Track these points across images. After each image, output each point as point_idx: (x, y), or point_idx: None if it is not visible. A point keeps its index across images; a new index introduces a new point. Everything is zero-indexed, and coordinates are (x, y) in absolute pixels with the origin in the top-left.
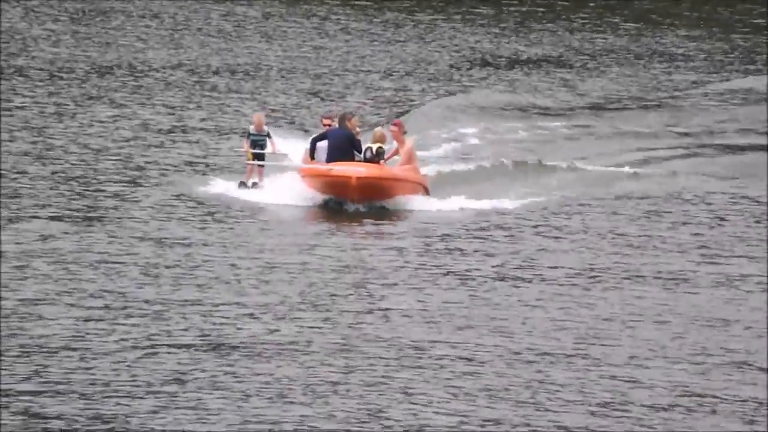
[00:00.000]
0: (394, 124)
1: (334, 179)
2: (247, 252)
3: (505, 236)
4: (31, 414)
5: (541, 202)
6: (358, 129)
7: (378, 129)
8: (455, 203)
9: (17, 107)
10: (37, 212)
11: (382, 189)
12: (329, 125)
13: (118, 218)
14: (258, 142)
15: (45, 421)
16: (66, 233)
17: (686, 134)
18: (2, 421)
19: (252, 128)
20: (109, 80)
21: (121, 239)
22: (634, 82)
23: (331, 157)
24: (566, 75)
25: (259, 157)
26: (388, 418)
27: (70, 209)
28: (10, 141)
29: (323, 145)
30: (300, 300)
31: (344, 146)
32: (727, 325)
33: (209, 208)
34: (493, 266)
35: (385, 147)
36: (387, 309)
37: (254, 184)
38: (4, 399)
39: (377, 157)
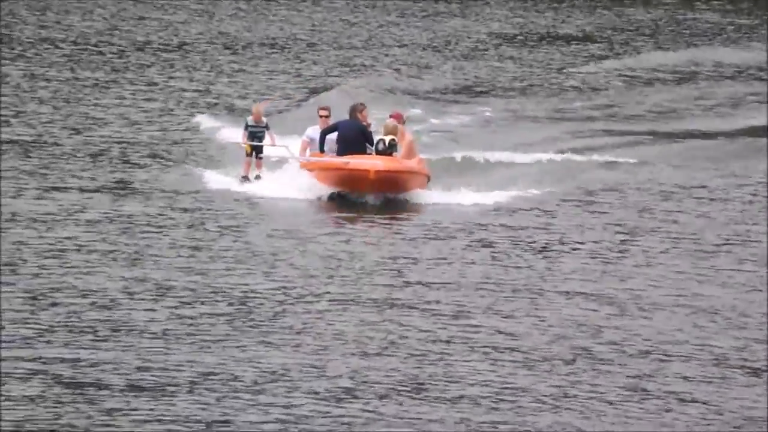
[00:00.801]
0: (393, 117)
1: (351, 173)
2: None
3: (532, 225)
4: (66, 382)
5: (540, 193)
6: (369, 121)
7: (390, 121)
8: (466, 196)
9: (53, 79)
10: (70, 183)
11: (399, 182)
12: (326, 116)
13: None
14: (256, 134)
15: (82, 388)
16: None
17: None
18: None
19: (250, 119)
20: (144, 54)
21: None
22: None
23: (343, 150)
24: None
25: (257, 149)
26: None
27: (103, 181)
28: (44, 113)
29: (332, 136)
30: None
31: (357, 138)
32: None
33: (214, 205)
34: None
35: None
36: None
37: (257, 177)
38: (41, 366)
39: (390, 150)
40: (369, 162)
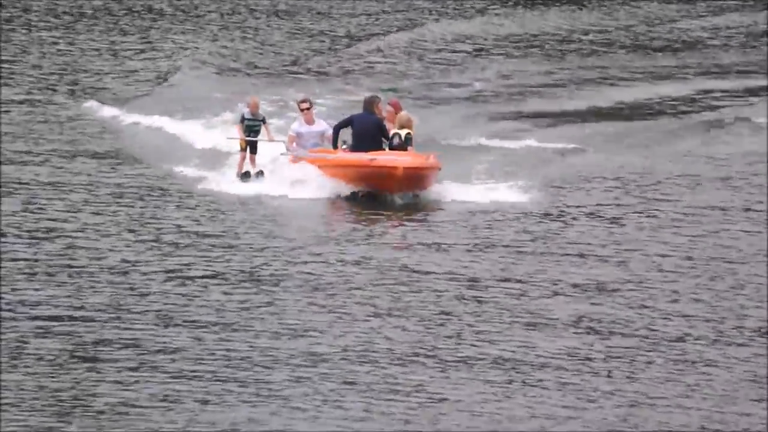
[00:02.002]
0: (391, 105)
1: (378, 170)
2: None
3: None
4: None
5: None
6: (384, 114)
7: (404, 113)
8: (485, 190)
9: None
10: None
11: (424, 179)
12: (308, 108)
13: None
14: (253, 127)
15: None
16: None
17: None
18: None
19: (247, 111)
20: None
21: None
22: None
23: (359, 145)
24: None
25: (252, 145)
26: None
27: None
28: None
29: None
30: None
31: (373, 133)
32: None
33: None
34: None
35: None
36: None
37: (259, 174)
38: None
39: (406, 144)
40: (396, 159)
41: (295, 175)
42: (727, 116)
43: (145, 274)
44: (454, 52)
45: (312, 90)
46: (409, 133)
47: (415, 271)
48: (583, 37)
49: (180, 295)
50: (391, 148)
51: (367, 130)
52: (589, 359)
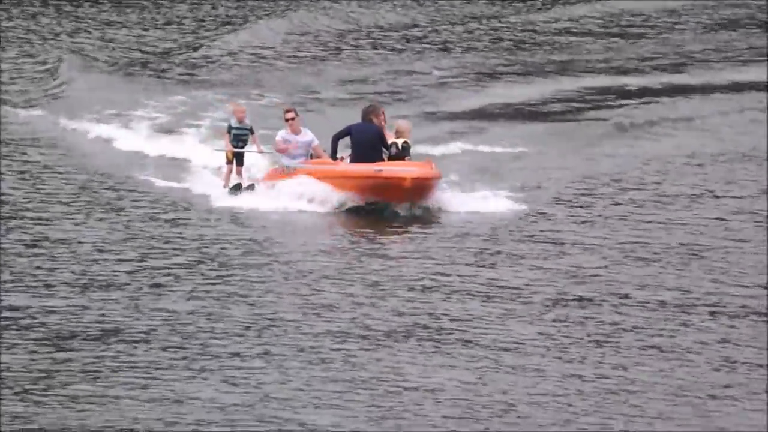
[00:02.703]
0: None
1: (386, 181)
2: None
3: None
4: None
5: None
6: (384, 123)
7: (402, 122)
8: (483, 197)
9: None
10: None
11: (430, 189)
12: (293, 119)
13: None
14: (241, 136)
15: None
16: None
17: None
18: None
19: (233, 120)
20: None
21: None
22: None
23: (360, 155)
24: None
25: (239, 157)
26: None
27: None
28: None
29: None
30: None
31: (374, 143)
32: None
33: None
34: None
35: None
36: None
37: (251, 187)
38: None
39: (404, 153)
40: (404, 169)
41: (294, 188)
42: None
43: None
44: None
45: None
46: (406, 142)
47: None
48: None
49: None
50: (390, 157)
51: (367, 140)
52: (564, 343)
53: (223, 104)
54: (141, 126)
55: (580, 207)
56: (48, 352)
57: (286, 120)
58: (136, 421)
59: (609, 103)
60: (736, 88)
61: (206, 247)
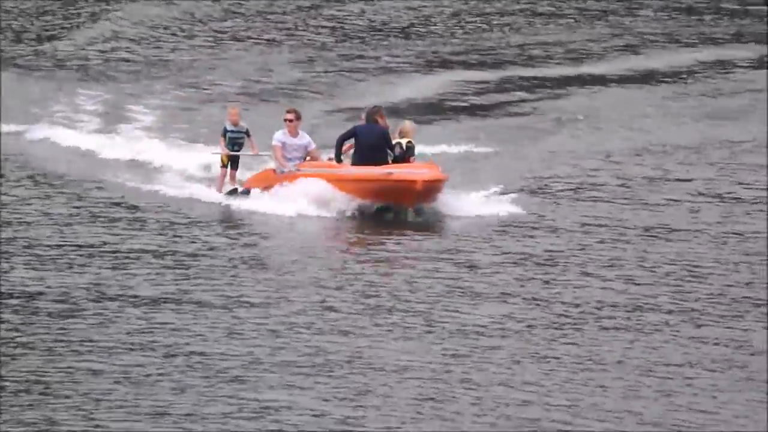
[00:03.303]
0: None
1: (396, 184)
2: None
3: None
4: None
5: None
6: (388, 124)
7: (407, 122)
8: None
9: None
10: None
11: (438, 191)
12: (292, 120)
13: None
14: (237, 139)
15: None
16: None
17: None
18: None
19: (228, 123)
20: None
21: None
22: None
23: (365, 157)
24: None
25: (234, 160)
26: None
27: None
28: None
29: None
30: None
31: (379, 144)
32: None
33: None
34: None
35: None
36: None
37: (246, 192)
38: None
39: (408, 153)
40: (414, 172)
41: (299, 191)
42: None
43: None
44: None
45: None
46: (410, 142)
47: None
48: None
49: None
50: (395, 157)
51: (373, 141)
52: (533, 326)
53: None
54: (82, 125)
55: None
56: None
57: (285, 120)
58: (97, 402)
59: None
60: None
61: (247, 261)
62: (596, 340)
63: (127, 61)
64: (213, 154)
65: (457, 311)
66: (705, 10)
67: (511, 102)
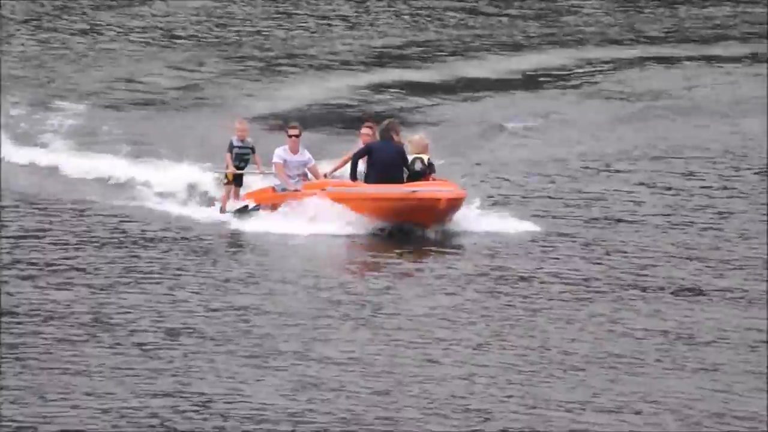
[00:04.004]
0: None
1: (420, 203)
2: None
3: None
4: None
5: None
6: (403, 141)
7: (419, 137)
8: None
9: None
10: None
11: (457, 209)
12: (297, 136)
13: None
14: (243, 155)
15: None
16: None
17: None
18: None
19: (235, 138)
20: None
21: None
22: None
23: (381, 176)
24: None
25: (238, 178)
26: None
27: None
28: None
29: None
30: None
31: (396, 162)
32: None
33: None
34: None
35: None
36: None
37: (255, 208)
38: None
39: (428, 170)
40: (438, 190)
41: (308, 210)
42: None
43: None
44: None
45: None
46: (428, 158)
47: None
48: None
49: None
50: (414, 174)
51: (390, 159)
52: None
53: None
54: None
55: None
56: None
57: (289, 136)
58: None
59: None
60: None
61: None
62: (546, 332)
63: None
64: (217, 173)
65: (415, 302)
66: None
67: (419, 108)
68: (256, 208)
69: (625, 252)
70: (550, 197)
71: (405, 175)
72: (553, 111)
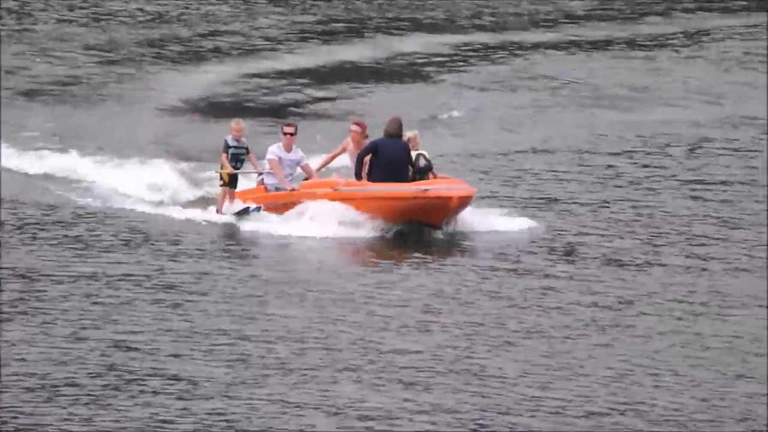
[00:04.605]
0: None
1: (431, 201)
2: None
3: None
4: None
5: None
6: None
7: (413, 133)
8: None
9: None
10: None
11: (465, 208)
12: (292, 134)
13: None
14: (239, 155)
15: None
16: None
17: None
18: None
19: (230, 138)
20: None
21: None
22: None
23: (388, 174)
24: None
25: (233, 179)
26: None
27: None
28: None
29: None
30: None
31: (404, 160)
32: None
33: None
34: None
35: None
36: None
37: (257, 209)
38: None
39: (431, 166)
40: (449, 188)
41: (310, 211)
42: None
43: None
44: None
45: None
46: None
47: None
48: None
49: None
50: (419, 171)
51: (398, 158)
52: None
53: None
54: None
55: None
56: None
57: (285, 134)
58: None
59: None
60: None
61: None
62: (490, 314)
63: None
64: (217, 173)
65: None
66: None
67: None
68: (257, 210)
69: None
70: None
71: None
72: (478, 99)
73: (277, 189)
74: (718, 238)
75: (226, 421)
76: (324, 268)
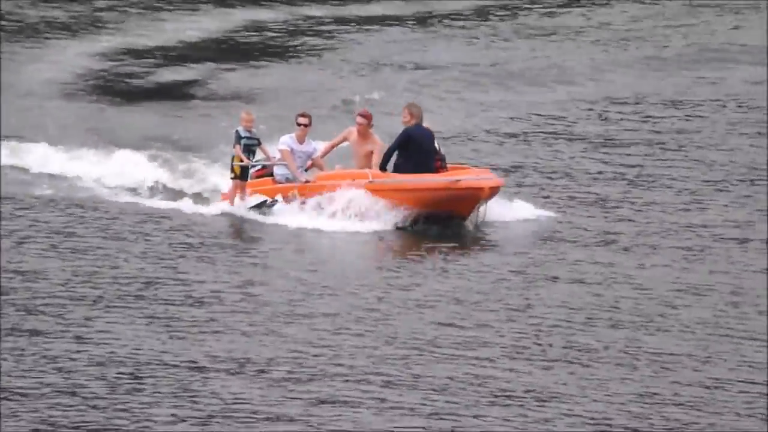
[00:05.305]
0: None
1: (463, 192)
2: None
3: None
4: None
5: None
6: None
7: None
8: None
9: None
10: None
11: (493, 198)
12: (307, 125)
13: None
14: (251, 146)
15: None
16: None
17: None
18: None
19: (242, 129)
20: None
21: None
22: None
23: (421, 163)
24: None
25: (244, 171)
26: None
27: None
28: None
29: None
30: None
31: (432, 148)
32: None
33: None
34: None
35: None
36: None
37: (274, 202)
38: None
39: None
40: (480, 178)
41: (339, 203)
42: None
43: None
44: None
45: None
46: None
47: None
48: None
49: None
50: (442, 159)
51: (428, 146)
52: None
53: None
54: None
55: None
56: None
57: (299, 125)
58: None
59: None
60: None
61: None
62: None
63: None
64: (237, 165)
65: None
66: None
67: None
68: (274, 203)
69: None
70: None
71: None
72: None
73: (287, 180)
74: None
75: None
76: (363, 261)
